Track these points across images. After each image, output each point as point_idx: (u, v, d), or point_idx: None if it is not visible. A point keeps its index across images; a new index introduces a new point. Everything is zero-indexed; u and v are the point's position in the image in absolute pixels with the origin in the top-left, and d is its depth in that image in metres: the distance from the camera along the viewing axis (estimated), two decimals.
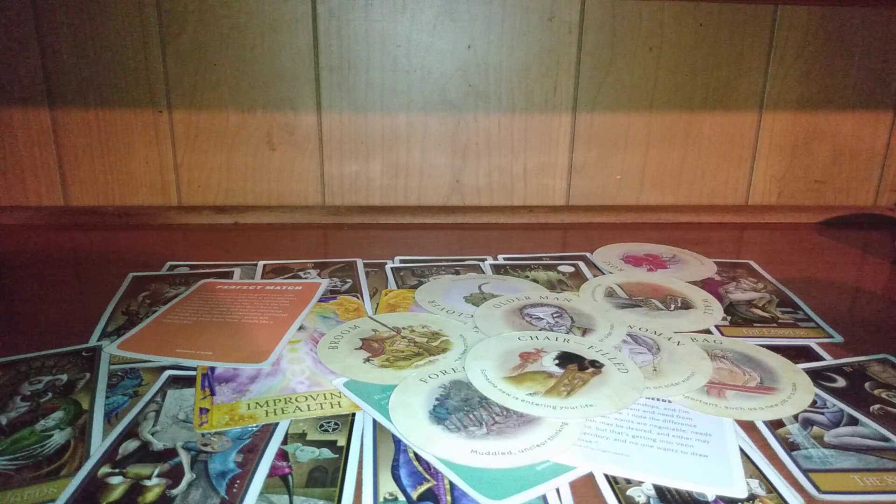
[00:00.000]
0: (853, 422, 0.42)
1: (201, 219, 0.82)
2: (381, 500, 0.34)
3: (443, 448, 0.38)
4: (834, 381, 0.47)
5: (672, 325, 0.54)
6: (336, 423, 0.41)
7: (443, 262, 0.68)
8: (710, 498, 0.35)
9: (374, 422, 0.41)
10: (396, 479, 0.36)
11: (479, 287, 0.61)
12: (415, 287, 0.61)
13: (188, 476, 0.36)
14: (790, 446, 0.39)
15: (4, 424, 0.40)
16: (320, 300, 0.58)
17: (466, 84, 0.81)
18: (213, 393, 0.43)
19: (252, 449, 0.38)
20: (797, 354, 0.50)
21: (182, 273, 0.64)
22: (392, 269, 0.66)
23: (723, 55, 0.83)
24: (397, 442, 0.39)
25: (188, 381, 0.45)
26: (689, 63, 0.83)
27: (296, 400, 0.43)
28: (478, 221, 0.84)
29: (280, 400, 0.42)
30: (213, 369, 0.46)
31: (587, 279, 0.64)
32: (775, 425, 0.41)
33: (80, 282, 0.64)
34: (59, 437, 0.39)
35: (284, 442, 0.39)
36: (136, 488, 0.35)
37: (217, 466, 0.36)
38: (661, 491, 0.35)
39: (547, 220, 0.85)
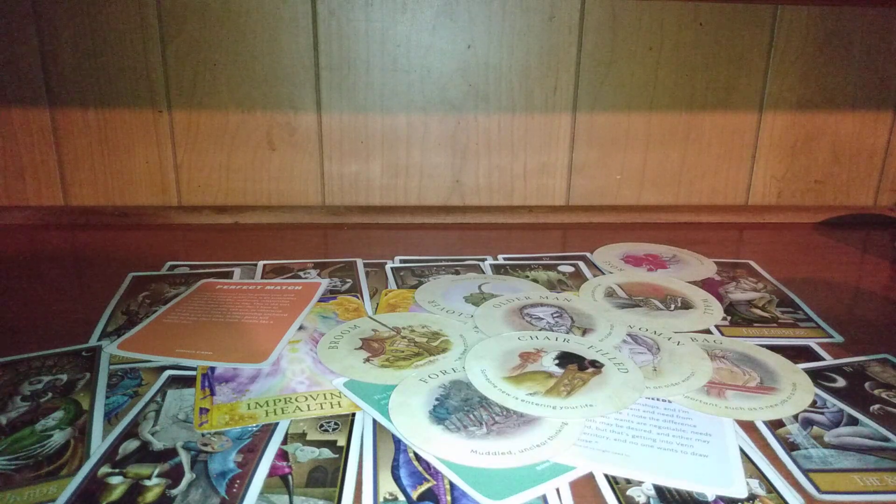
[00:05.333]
0: (853, 422, 0.42)
1: (201, 219, 0.82)
2: (381, 500, 0.34)
3: (443, 448, 0.38)
4: (834, 381, 0.47)
5: (672, 325, 0.54)
6: (336, 423, 0.41)
7: (443, 262, 0.68)
8: (710, 498, 0.35)
9: (374, 422, 0.41)
10: (396, 479, 0.36)
11: (479, 287, 0.61)
12: (415, 287, 0.61)
13: (188, 476, 0.36)
14: (790, 446, 0.39)
15: (4, 424, 0.40)
16: (320, 300, 0.58)
17: (466, 84, 0.81)
18: (213, 393, 0.43)
19: (252, 449, 0.38)
20: (797, 354, 0.50)
21: (182, 273, 0.64)
22: (392, 269, 0.66)
23: (723, 55, 0.83)
24: (397, 442, 0.39)
25: (188, 381, 0.45)
26: (689, 63, 0.83)
27: (296, 400, 0.43)
28: (478, 221, 0.84)
29: (280, 400, 0.42)
30: (213, 369, 0.46)
31: (587, 279, 0.64)
32: (775, 425, 0.41)
33: (80, 282, 0.64)
34: (59, 437, 0.39)
35: (284, 442, 0.39)
36: (136, 488, 0.35)
37: (217, 466, 0.36)
38: (661, 491, 0.35)
39: (547, 220, 0.85)
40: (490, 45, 0.80)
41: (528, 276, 0.64)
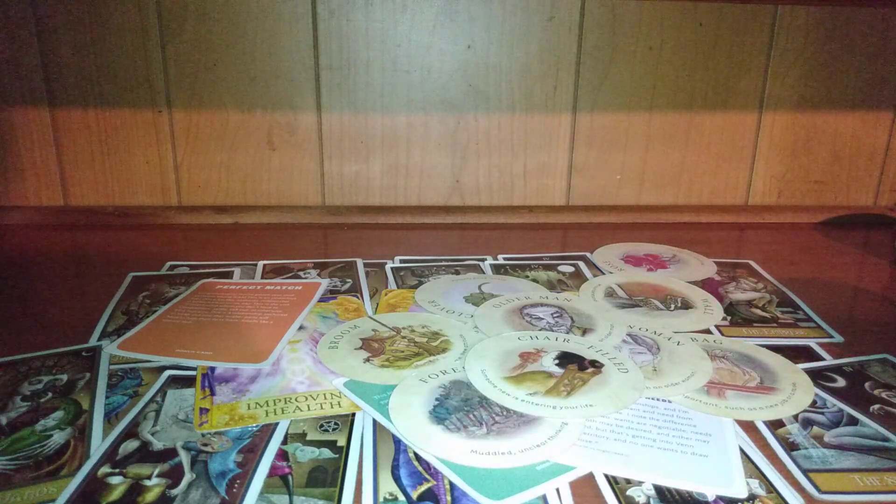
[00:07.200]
0: (853, 422, 0.42)
1: (201, 219, 0.82)
2: (381, 500, 0.34)
3: (443, 448, 0.38)
4: (834, 381, 0.47)
5: (672, 325, 0.54)
6: (336, 423, 0.41)
7: (443, 262, 0.68)
8: (710, 498, 0.35)
9: (374, 422, 0.41)
10: (396, 479, 0.36)
11: (479, 287, 0.61)
12: (415, 287, 0.61)
13: (188, 476, 0.36)
14: (790, 446, 0.39)
15: (4, 424, 0.40)
16: (320, 300, 0.58)
17: (466, 84, 0.81)
18: (213, 393, 0.43)
19: (252, 449, 0.38)
20: (797, 354, 0.50)
21: (182, 273, 0.64)
22: (392, 269, 0.66)
23: (723, 55, 0.83)
24: (397, 442, 0.39)
25: (188, 381, 0.45)
26: (689, 63, 0.83)
27: (296, 400, 0.43)
28: (478, 221, 0.84)
29: (280, 400, 0.42)
30: (213, 369, 0.46)
31: (587, 279, 0.64)
32: (775, 425, 0.41)
33: (80, 282, 0.64)
34: (59, 437, 0.39)
35: (284, 442, 0.39)
36: (136, 488, 0.35)
37: (217, 466, 0.36)
38: (661, 491, 0.35)
39: (547, 220, 0.85)
40: (490, 45, 0.80)
41: (528, 276, 0.64)
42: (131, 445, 0.38)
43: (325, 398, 0.43)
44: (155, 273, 0.64)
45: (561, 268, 0.67)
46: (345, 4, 0.77)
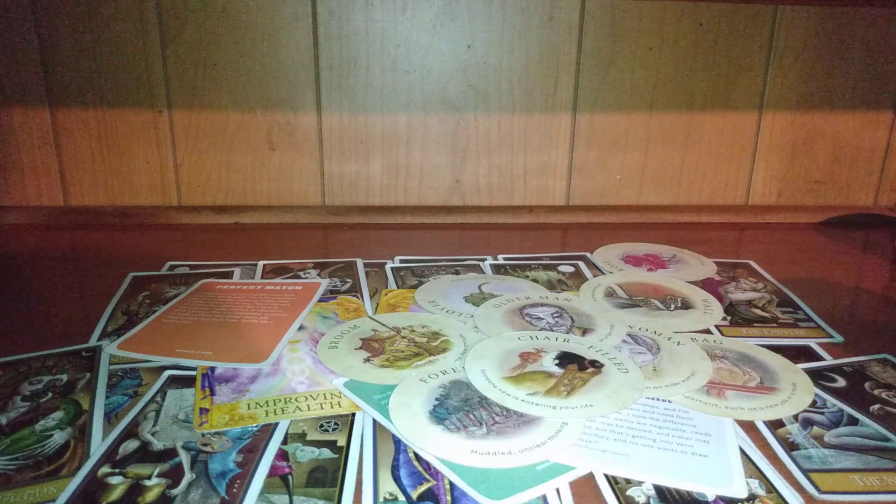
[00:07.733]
0: (853, 422, 0.42)
1: (201, 219, 0.82)
2: (381, 500, 0.34)
3: (443, 448, 0.38)
4: (834, 381, 0.47)
5: (672, 325, 0.54)
6: (336, 423, 0.41)
7: (443, 262, 0.68)
8: (710, 498, 0.35)
9: (374, 422, 0.41)
10: (396, 479, 0.36)
11: (479, 287, 0.61)
12: (415, 287, 0.61)
13: (188, 476, 0.36)
14: (790, 446, 0.39)
15: (4, 424, 0.40)
16: (320, 300, 0.58)
17: (466, 84, 0.81)
18: (213, 393, 0.43)
19: (252, 449, 0.38)
20: (797, 354, 0.50)
21: (182, 273, 0.64)
22: (392, 269, 0.66)
23: (723, 55, 0.83)
24: (397, 442, 0.39)
25: (188, 381, 0.45)
26: (689, 63, 0.83)
27: (296, 400, 0.43)
28: (478, 221, 0.84)
29: (280, 400, 0.42)
30: (213, 369, 0.46)
31: (587, 279, 0.64)
32: (775, 425, 0.41)
33: (80, 282, 0.64)
34: (59, 437, 0.39)
35: (284, 442, 0.39)
36: (136, 488, 0.35)
37: (217, 466, 0.36)
38: (661, 491, 0.35)
39: (547, 220, 0.85)
40: (490, 45, 0.80)
41: (528, 276, 0.64)
42: (131, 445, 0.38)
43: (325, 398, 0.43)
44: (155, 273, 0.64)
45: (561, 268, 0.67)
46: (345, 4, 0.77)
